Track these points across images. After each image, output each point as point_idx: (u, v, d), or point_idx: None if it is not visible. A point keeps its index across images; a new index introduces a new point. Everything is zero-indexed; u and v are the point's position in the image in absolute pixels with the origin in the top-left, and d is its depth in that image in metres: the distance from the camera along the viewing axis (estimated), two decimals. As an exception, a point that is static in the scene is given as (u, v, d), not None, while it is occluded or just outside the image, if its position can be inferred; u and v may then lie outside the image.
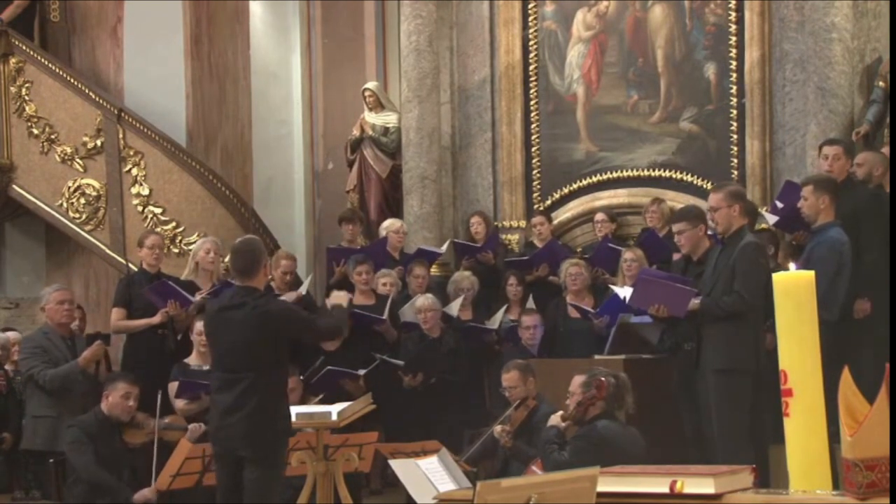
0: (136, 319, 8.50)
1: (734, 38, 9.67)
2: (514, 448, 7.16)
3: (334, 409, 6.45)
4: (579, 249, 9.99)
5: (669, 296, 7.00)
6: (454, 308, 9.19)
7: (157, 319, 8.43)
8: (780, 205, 8.35)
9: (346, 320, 7.08)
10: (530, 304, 9.23)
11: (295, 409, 6.53)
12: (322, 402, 7.60)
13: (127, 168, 10.64)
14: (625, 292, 8.06)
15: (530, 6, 10.52)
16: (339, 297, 7.62)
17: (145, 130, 10.66)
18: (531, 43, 10.51)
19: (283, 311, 6.14)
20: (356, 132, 11.10)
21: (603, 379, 6.27)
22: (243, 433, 5.88)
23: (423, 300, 8.93)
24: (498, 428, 7.22)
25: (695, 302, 6.87)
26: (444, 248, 10.17)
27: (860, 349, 6.98)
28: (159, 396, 7.43)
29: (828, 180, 7.50)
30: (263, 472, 5.90)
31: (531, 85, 10.52)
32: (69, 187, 10.77)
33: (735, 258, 6.81)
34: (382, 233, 10.08)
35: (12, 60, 10.90)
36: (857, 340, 7.15)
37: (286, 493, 6.59)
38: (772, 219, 8.32)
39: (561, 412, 6.49)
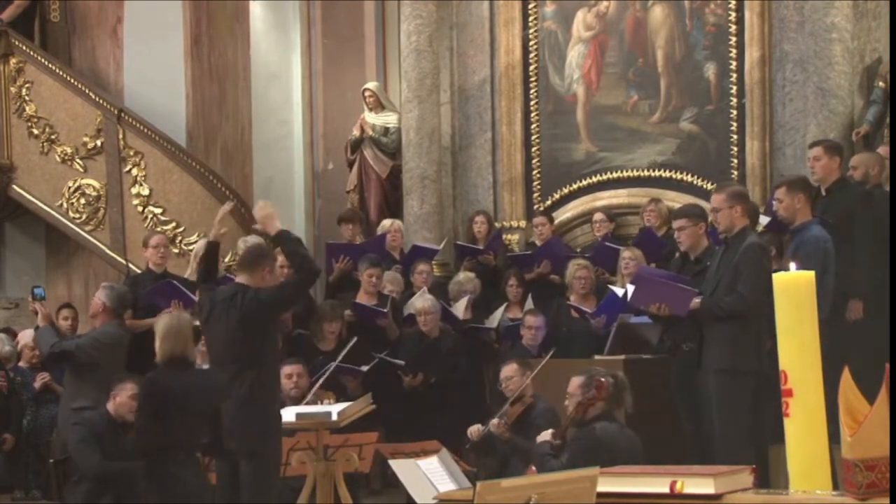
0: (140, 319, 8.50)
1: (734, 39, 9.67)
2: (510, 440, 7.16)
3: (334, 409, 6.45)
4: (579, 249, 9.98)
5: (670, 295, 7.00)
6: (459, 310, 9.16)
7: (161, 320, 8.46)
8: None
9: (302, 247, 6.32)
10: (530, 303, 9.22)
11: (295, 409, 6.55)
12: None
13: (127, 168, 10.63)
14: (623, 291, 8.06)
15: (530, 6, 10.53)
16: (263, 213, 6.20)
17: (145, 131, 10.66)
18: (531, 43, 10.52)
19: (262, 299, 6.05)
20: (356, 132, 11.10)
21: (602, 379, 6.25)
22: (231, 424, 5.98)
23: (423, 303, 8.88)
24: (494, 421, 7.22)
25: (696, 301, 6.87)
26: (443, 245, 10.16)
27: (856, 349, 6.96)
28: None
29: (800, 179, 7.49)
30: (257, 468, 5.96)
31: (531, 85, 10.52)
32: (69, 187, 10.76)
33: (738, 259, 6.79)
34: (380, 233, 10.07)
35: (12, 60, 10.89)
36: (853, 341, 7.13)
37: (286, 493, 6.60)
38: (764, 219, 8.31)
39: (552, 430, 6.46)
